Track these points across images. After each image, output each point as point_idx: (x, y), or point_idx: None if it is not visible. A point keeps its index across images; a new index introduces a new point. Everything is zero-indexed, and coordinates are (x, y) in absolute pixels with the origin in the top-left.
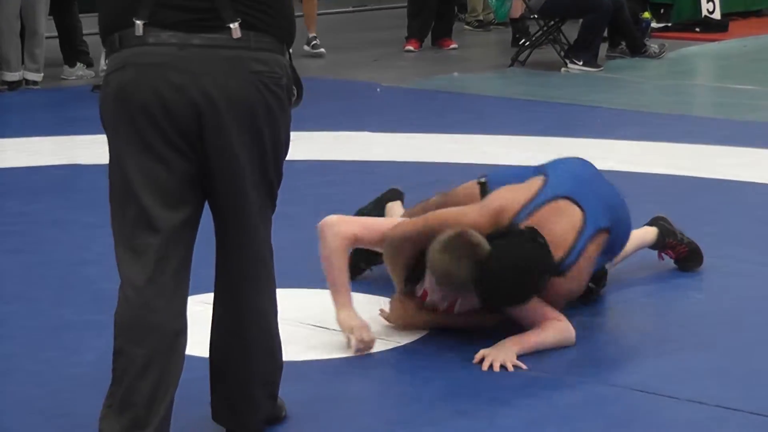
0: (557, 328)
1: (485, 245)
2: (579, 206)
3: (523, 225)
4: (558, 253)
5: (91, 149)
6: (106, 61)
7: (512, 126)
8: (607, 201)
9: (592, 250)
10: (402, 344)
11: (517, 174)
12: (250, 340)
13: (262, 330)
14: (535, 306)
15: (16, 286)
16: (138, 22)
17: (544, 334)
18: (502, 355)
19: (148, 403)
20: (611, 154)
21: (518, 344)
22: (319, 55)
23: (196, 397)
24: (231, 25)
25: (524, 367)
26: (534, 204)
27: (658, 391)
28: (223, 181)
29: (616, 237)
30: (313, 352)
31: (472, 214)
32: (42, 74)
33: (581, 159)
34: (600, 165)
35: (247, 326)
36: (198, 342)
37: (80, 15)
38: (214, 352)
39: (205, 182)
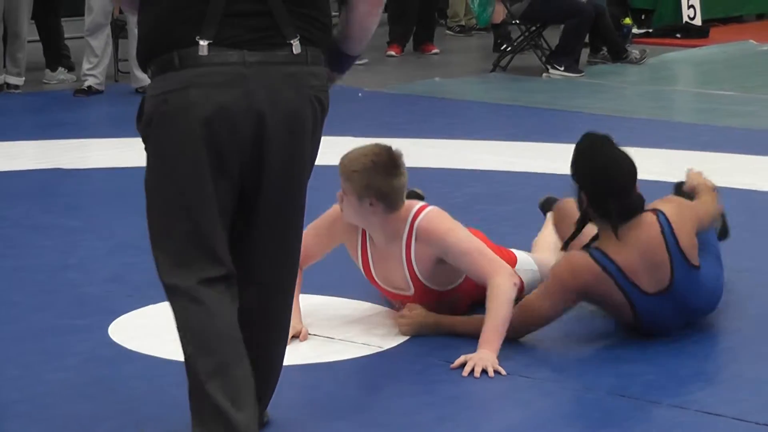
0: (504, 299)
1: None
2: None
3: None
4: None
5: (74, 153)
6: (154, 78)
7: (493, 131)
8: None
9: None
10: (383, 349)
11: None
12: (275, 354)
13: (284, 341)
14: (479, 258)
15: None
16: (202, 42)
17: (502, 316)
18: (484, 360)
19: (238, 396)
20: None
21: (494, 346)
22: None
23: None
24: (292, 42)
25: (504, 372)
26: None
27: (640, 396)
28: (276, 192)
29: None
30: (294, 356)
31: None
32: (23, 78)
33: None
34: None
35: (275, 340)
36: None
37: (62, 19)
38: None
39: (252, 195)
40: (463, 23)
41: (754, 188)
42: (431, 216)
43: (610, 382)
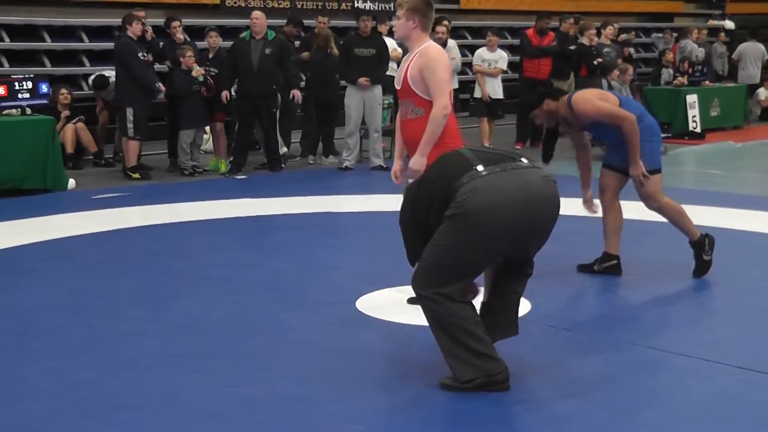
0: (434, 122)
1: None
2: None
3: None
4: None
5: (335, 203)
6: (461, 195)
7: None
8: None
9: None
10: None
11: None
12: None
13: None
14: (437, 86)
15: (290, 282)
16: (479, 167)
17: (430, 132)
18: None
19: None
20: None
21: (423, 150)
22: None
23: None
24: (522, 159)
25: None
26: None
27: (629, 340)
28: (538, 242)
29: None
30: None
31: None
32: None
33: None
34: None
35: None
36: (402, 316)
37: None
38: (497, 304)
39: (530, 242)
40: None
41: (731, 227)
42: (435, 47)
43: (606, 334)
